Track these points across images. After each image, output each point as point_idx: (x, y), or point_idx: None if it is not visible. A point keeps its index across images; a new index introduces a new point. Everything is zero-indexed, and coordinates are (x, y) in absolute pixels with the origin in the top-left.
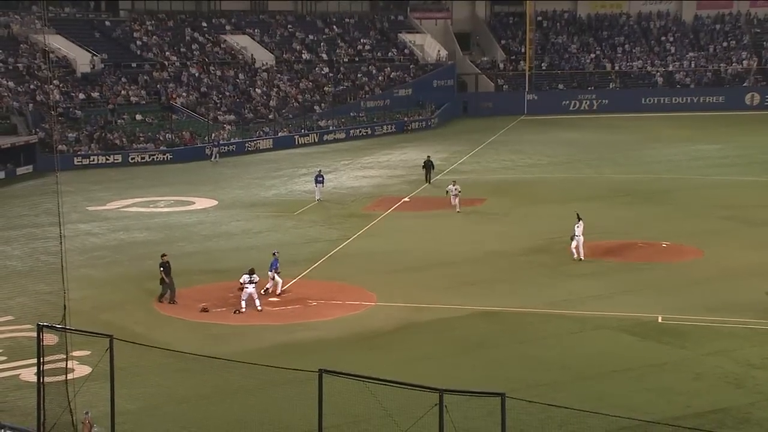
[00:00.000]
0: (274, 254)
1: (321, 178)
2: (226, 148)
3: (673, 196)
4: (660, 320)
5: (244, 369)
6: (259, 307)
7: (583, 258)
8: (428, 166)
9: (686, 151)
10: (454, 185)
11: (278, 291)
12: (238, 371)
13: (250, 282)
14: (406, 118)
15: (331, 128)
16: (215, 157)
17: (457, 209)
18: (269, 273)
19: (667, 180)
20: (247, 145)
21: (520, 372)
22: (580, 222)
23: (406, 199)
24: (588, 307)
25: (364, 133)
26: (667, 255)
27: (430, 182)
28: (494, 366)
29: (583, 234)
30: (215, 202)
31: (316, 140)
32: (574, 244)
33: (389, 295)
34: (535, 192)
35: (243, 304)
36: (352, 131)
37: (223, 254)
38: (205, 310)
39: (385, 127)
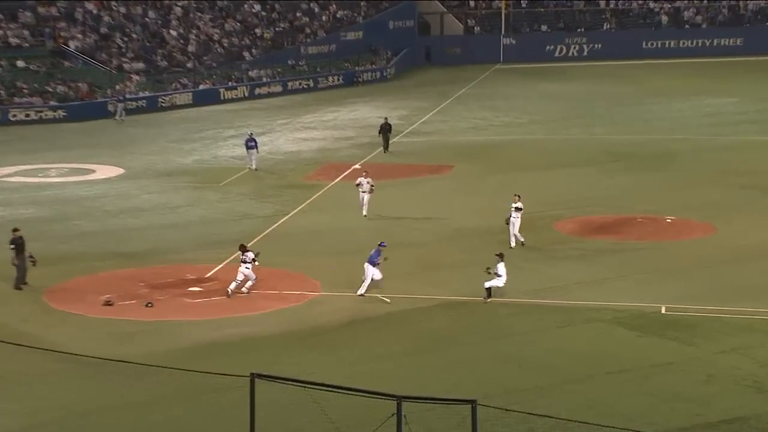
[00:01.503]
0: (380, 245)
1: (253, 142)
2: (133, 103)
3: (680, 161)
4: (664, 311)
5: (161, 374)
6: (245, 290)
7: (513, 245)
8: (386, 130)
9: (696, 105)
10: (365, 176)
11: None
12: (153, 377)
13: (243, 261)
14: (356, 68)
15: (264, 80)
16: (120, 114)
17: (364, 212)
18: (370, 266)
19: (673, 141)
20: (160, 100)
21: (496, 374)
22: (519, 202)
23: (357, 166)
24: (577, 295)
25: (305, 86)
26: (672, 232)
27: (388, 150)
28: (464, 367)
29: (518, 216)
30: (121, 171)
31: (246, 94)
32: (510, 228)
33: (337, 283)
34: (513, 157)
35: (234, 287)
36: (290, 84)
37: (131, 234)
38: (108, 303)
39: (330, 78)
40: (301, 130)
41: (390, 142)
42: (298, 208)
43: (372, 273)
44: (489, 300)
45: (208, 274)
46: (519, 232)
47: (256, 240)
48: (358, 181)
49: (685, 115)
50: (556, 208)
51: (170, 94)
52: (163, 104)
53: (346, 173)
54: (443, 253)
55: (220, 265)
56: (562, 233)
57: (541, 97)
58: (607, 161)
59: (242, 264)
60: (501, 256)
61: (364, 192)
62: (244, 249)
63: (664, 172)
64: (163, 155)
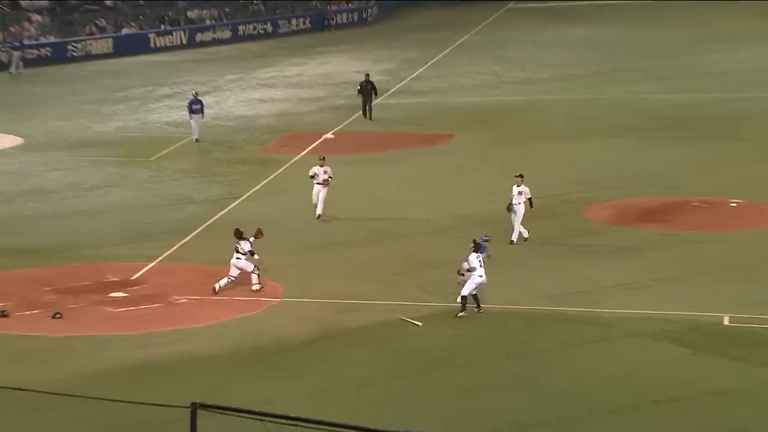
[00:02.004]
0: (483, 241)
1: (199, 105)
2: (34, 52)
3: (749, 128)
4: (726, 322)
5: (73, 406)
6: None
7: (515, 240)
8: (367, 90)
9: None
10: (321, 165)
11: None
12: (62, 410)
13: (236, 251)
14: (327, 8)
15: (208, 23)
16: (16, 66)
17: (318, 212)
18: (467, 264)
19: (740, 101)
20: (70, 48)
21: (507, 404)
22: (523, 186)
23: (329, 135)
24: (614, 302)
25: (262, 31)
26: (737, 220)
27: (370, 117)
28: (466, 395)
29: (525, 204)
30: (18, 141)
31: (185, 41)
32: (513, 218)
33: (303, 287)
34: (531, 123)
35: (222, 283)
36: (241, 28)
37: (33, 225)
38: (3, 314)
39: (294, 22)
40: (257, 89)
41: (372, 104)
42: (253, 190)
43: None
44: (464, 314)
45: (136, 276)
46: (522, 224)
47: (196, 231)
48: (312, 172)
49: (755, 67)
50: (586, 189)
51: (83, 41)
52: (75, 53)
53: (314, 145)
54: (438, 249)
55: (151, 264)
56: (595, 222)
57: (567, 46)
58: (653, 128)
59: (236, 254)
60: (476, 246)
61: (318, 184)
62: (240, 236)
63: (727, 142)
64: (74, 120)
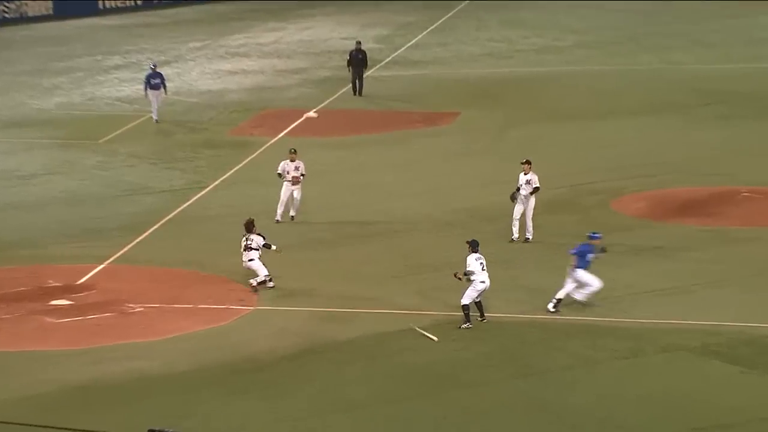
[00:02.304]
0: (592, 237)
1: (159, 79)
2: None
3: None
4: None
5: None
6: (270, 284)
7: (516, 237)
8: (358, 61)
9: None
10: (293, 161)
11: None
12: None
13: (247, 248)
14: None
15: None
16: None
17: (291, 213)
18: (581, 271)
19: None
20: (1, 8)
21: (523, 431)
22: (531, 173)
23: (312, 113)
24: (648, 311)
25: None
26: None
27: (360, 92)
28: (474, 420)
29: (534, 195)
30: None
31: (139, 1)
32: (518, 211)
33: (282, 293)
34: (549, 99)
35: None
36: None
37: None
38: None
39: None
40: (226, 59)
41: (363, 78)
42: (221, 179)
43: (588, 280)
44: (468, 326)
45: (82, 280)
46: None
47: (155, 227)
48: (280, 169)
49: None
50: (615, 177)
51: (16, 1)
52: (7, 15)
53: (294, 125)
54: (440, 247)
55: (101, 266)
56: (625, 215)
57: (593, 7)
58: (696, 105)
59: (244, 253)
60: (472, 246)
61: (288, 183)
62: (251, 228)
63: None
64: (7, 95)
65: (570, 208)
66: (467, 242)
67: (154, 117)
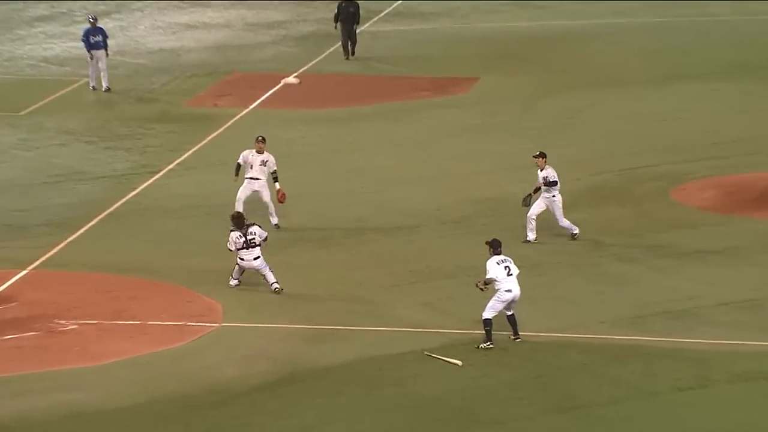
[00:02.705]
0: None
1: (100, 35)
2: None
3: None
4: None
5: None
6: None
7: (532, 239)
8: (348, 14)
9: None
10: (260, 152)
11: None
12: None
13: (249, 244)
14: None
15: None
16: None
17: (273, 220)
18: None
19: None
20: None
21: None
22: (547, 168)
23: (292, 79)
24: (718, 329)
25: None
26: None
27: (352, 53)
28: None
29: (559, 192)
30: None
31: None
32: (534, 211)
33: (254, 306)
34: (591, 61)
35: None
36: None
37: None
38: None
39: None
40: (182, 9)
41: (356, 35)
42: (177, 162)
43: None
44: (489, 345)
45: (0, 289)
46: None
47: (92, 223)
48: (242, 159)
49: None
50: (676, 159)
51: None
52: None
53: (269, 93)
54: (452, 248)
55: (23, 272)
56: (689, 208)
57: None
58: None
59: (244, 251)
60: (493, 246)
61: (254, 180)
62: (241, 223)
63: None
64: None
65: (620, 198)
66: (487, 242)
67: (105, 85)
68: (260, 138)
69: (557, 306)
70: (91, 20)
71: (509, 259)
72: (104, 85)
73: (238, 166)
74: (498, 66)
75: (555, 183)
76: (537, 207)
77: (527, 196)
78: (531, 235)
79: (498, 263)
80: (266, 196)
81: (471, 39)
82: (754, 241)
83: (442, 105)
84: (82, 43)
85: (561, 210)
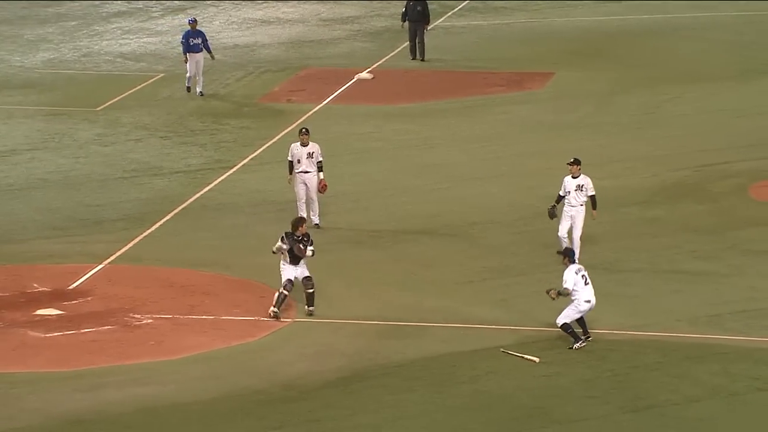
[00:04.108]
0: None
1: (200, 38)
2: None
3: None
4: None
5: None
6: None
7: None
8: (416, 14)
9: None
10: (304, 144)
11: None
12: None
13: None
14: None
15: None
16: None
17: (315, 220)
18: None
19: None
20: None
21: None
22: (582, 176)
23: (365, 74)
24: None
25: None
26: None
27: (421, 56)
28: None
29: (584, 204)
30: None
31: None
32: (564, 228)
33: (326, 302)
34: (671, 56)
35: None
36: None
37: None
38: None
39: None
40: (257, 4)
41: (424, 36)
42: (251, 157)
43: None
44: (581, 344)
45: (75, 284)
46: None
47: (167, 218)
48: (291, 155)
49: None
50: (758, 155)
51: None
52: None
53: (343, 89)
54: (525, 245)
55: (99, 266)
56: None
57: None
58: None
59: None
60: (566, 255)
61: (304, 174)
62: (298, 226)
63: None
64: None
65: (697, 195)
66: (559, 252)
67: (198, 88)
68: (303, 130)
69: (633, 304)
70: (190, 22)
71: (584, 268)
72: (198, 90)
73: (290, 163)
74: (574, 61)
75: (594, 198)
76: (565, 223)
77: (552, 207)
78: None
79: (576, 272)
80: (314, 193)
81: (546, 34)
82: None
83: (516, 101)
84: (182, 43)
85: (582, 228)
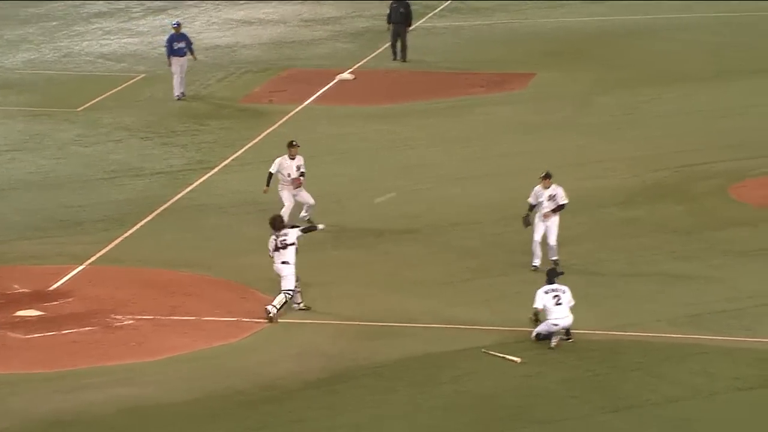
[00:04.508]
0: None
1: (183, 44)
2: None
3: None
4: None
5: None
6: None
7: (538, 264)
8: (399, 16)
9: None
10: (292, 157)
11: None
12: None
13: (279, 246)
14: None
15: None
16: None
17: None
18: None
19: None
20: None
21: None
22: (553, 187)
23: (347, 75)
24: None
25: None
26: None
27: (402, 58)
28: None
29: (557, 212)
30: None
31: None
32: (539, 233)
33: (307, 301)
34: (650, 56)
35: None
36: None
37: None
38: None
39: None
40: (237, 4)
41: (406, 37)
42: (232, 158)
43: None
44: (556, 340)
45: (56, 285)
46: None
47: (148, 219)
48: (275, 167)
49: None
50: (736, 156)
51: None
52: None
53: (324, 89)
54: (507, 246)
55: (80, 267)
56: (749, 205)
57: None
58: None
59: (279, 252)
60: (547, 275)
61: (288, 186)
62: (280, 226)
63: None
64: None
65: (677, 195)
66: (548, 273)
67: (176, 92)
68: (293, 143)
69: (613, 304)
70: (175, 26)
71: (563, 288)
72: (180, 91)
73: (271, 175)
74: (555, 62)
75: (562, 207)
76: (539, 230)
77: (526, 216)
78: (537, 261)
79: (547, 292)
80: (308, 198)
81: (527, 35)
82: None
83: (497, 101)
84: (166, 47)
85: (556, 233)
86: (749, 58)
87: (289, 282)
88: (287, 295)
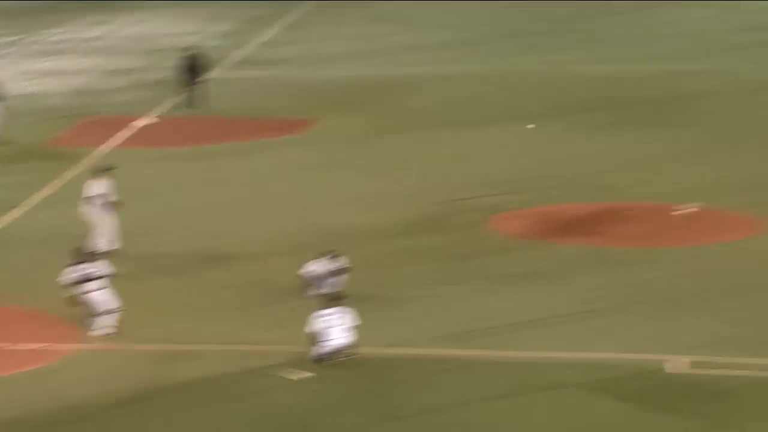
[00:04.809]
0: None
1: None
2: None
3: (705, 109)
4: (679, 368)
5: None
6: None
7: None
8: (192, 68)
9: (732, 15)
10: (95, 179)
11: None
12: None
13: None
14: None
15: None
16: None
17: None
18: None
19: (695, 75)
20: None
21: None
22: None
23: (146, 121)
24: (530, 342)
25: None
26: (689, 231)
27: (198, 105)
28: None
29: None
30: None
31: None
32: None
33: (112, 327)
34: (417, 105)
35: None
36: None
37: None
38: None
39: None
40: (42, 57)
41: (200, 87)
42: (37, 195)
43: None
44: (336, 360)
45: None
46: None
47: None
48: (89, 191)
49: (715, 29)
50: (491, 192)
51: None
52: None
53: (124, 133)
54: (296, 273)
55: None
56: (503, 235)
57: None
58: (583, 111)
59: (91, 283)
60: (331, 300)
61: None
62: (85, 257)
63: (677, 129)
64: None
65: (440, 227)
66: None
67: None
68: (104, 170)
69: (385, 325)
70: None
71: (342, 311)
72: None
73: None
74: (333, 110)
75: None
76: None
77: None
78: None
79: (324, 315)
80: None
81: (309, 85)
82: (558, 265)
83: (283, 144)
84: None
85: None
86: (507, 107)
87: (102, 305)
88: (105, 314)
